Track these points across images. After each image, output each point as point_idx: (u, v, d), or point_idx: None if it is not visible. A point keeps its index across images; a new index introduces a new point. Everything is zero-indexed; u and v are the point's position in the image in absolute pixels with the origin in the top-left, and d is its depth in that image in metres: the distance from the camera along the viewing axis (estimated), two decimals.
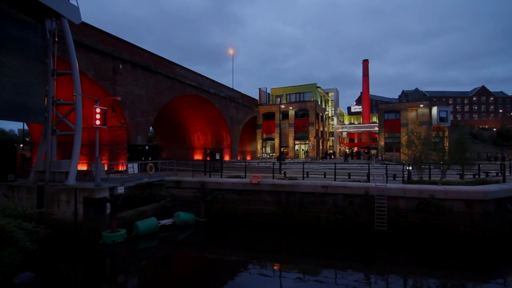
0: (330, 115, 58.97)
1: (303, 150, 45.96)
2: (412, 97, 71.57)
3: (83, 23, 17.79)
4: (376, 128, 49.57)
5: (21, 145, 46.77)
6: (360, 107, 74.38)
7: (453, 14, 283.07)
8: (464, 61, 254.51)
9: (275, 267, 11.65)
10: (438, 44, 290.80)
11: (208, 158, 20.82)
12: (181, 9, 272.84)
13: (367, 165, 18.50)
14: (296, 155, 45.51)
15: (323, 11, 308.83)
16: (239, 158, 41.43)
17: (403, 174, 16.58)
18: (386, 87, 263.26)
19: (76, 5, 15.02)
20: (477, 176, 17.75)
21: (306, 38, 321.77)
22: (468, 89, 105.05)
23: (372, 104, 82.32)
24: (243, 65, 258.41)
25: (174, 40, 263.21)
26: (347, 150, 60.36)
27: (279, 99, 49.65)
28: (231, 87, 40.31)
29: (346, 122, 74.23)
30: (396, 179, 17.02)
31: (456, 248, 12.86)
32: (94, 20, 19.59)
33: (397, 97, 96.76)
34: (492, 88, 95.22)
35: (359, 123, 67.23)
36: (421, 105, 41.12)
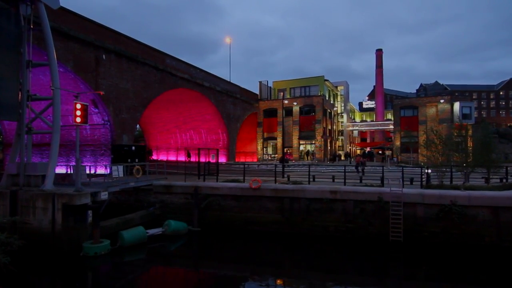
0: (339, 111, 58.95)
1: (308, 150, 45.97)
2: (431, 91, 71.61)
3: (62, 8, 17.77)
4: (391, 126, 49.53)
5: None
6: (373, 102, 74.38)
7: (448, 3, 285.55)
8: (468, 53, 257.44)
9: (278, 282, 11.66)
10: (436, 35, 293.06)
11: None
12: None
13: (381, 168, 18.53)
14: (301, 157, 45.52)
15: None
16: (237, 160, 41.44)
17: (421, 178, 16.60)
18: (387, 82, 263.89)
19: None
20: (504, 180, 17.77)
21: (290, 29, 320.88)
22: (478, 82, 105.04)
23: (387, 99, 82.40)
24: (228, 58, 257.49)
25: (148, 31, 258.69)
26: (358, 151, 60.34)
27: (282, 93, 49.63)
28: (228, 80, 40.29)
29: (358, 119, 74.29)
30: (414, 183, 17.03)
31: (480, 261, 12.87)
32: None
33: (415, 91, 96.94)
34: None
35: (372, 121, 67.25)
36: (442, 101, 41.12)
